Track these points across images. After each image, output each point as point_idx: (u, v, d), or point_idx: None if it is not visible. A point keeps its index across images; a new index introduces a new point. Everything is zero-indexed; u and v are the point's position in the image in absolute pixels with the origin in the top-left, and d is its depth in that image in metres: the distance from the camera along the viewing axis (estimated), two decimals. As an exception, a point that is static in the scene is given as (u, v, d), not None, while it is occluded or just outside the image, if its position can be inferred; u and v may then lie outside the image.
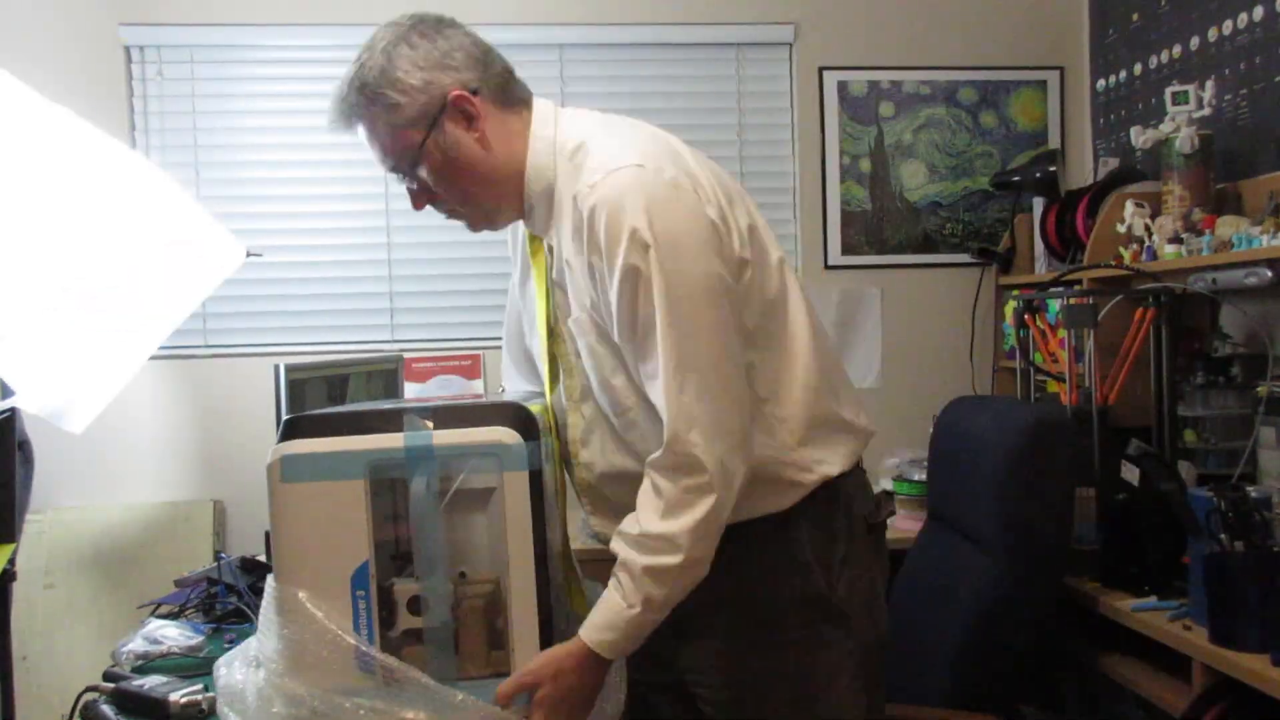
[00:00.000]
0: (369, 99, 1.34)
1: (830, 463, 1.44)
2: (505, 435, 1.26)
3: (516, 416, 1.28)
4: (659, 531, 1.27)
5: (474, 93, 1.37)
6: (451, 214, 1.44)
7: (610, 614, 1.28)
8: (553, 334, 1.45)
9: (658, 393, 1.28)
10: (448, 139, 1.35)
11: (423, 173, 1.37)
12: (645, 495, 1.30)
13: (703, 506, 1.26)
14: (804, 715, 1.41)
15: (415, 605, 1.26)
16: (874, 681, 1.46)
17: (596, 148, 1.34)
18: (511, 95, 1.43)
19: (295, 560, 1.25)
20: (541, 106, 1.45)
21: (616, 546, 1.31)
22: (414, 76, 1.34)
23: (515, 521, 1.26)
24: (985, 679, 1.93)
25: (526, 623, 1.27)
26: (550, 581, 1.31)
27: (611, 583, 1.31)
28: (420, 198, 1.42)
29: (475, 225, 1.46)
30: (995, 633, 1.93)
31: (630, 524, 1.30)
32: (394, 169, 1.39)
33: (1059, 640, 2.20)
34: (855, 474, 1.50)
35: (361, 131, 1.38)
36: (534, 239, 1.46)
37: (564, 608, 1.44)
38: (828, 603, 1.41)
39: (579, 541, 2.72)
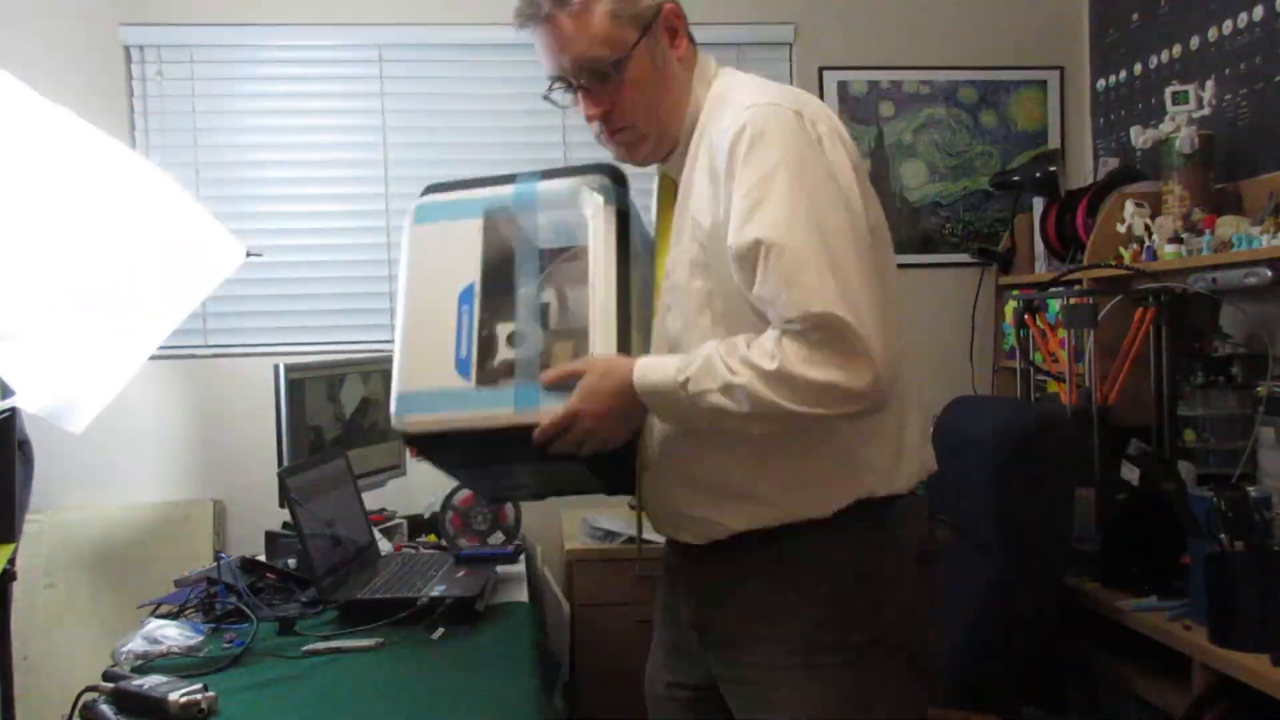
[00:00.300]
0: None
1: (891, 476, 1.34)
2: (598, 180, 1.38)
3: (611, 170, 1.40)
4: (792, 373, 1.16)
5: (677, 11, 1.38)
6: (619, 133, 1.37)
7: (668, 380, 1.22)
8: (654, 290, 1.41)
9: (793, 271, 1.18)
10: (659, 46, 1.34)
11: (619, 78, 1.31)
12: (778, 345, 1.18)
13: (855, 397, 1.16)
14: None
15: (513, 340, 1.37)
16: (918, 712, 1.37)
17: (740, 91, 1.32)
18: (689, 34, 1.41)
19: (416, 285, 1.42)
20: (702, 57, 1.43)
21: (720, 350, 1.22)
22: None
23: (602, 253, 1.35)
24: (985, 679, 1.94)
25: (605, 325, 1.34)
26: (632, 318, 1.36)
27: (701, 359, 1.21)
28: (598, 106, 1.34)
29: (639, 149, 1.39)
30: (995, 632, 1.93)
31: (758, 354, 1.19)
32: (586, 68, 1.32)
33: (1059, 640, 2.19)
34: (914, 498, 1.39)
35: (555, 24, 1.31)
36: (665, 190, 1.44)
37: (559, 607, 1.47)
38: (873, 626, 1.30)
39: (578, 541, 2.73)
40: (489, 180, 1.45)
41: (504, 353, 1.36)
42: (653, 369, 1.26)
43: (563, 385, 1.29)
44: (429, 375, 1.37)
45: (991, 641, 1.93)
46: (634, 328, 1.36)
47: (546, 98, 1.41)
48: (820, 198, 1.23)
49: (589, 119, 1.37)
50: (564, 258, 1.37)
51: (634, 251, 1.38)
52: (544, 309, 1.36)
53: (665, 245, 1.39)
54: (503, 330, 1.37)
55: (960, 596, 1.97)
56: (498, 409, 1.33)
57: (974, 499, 2.05)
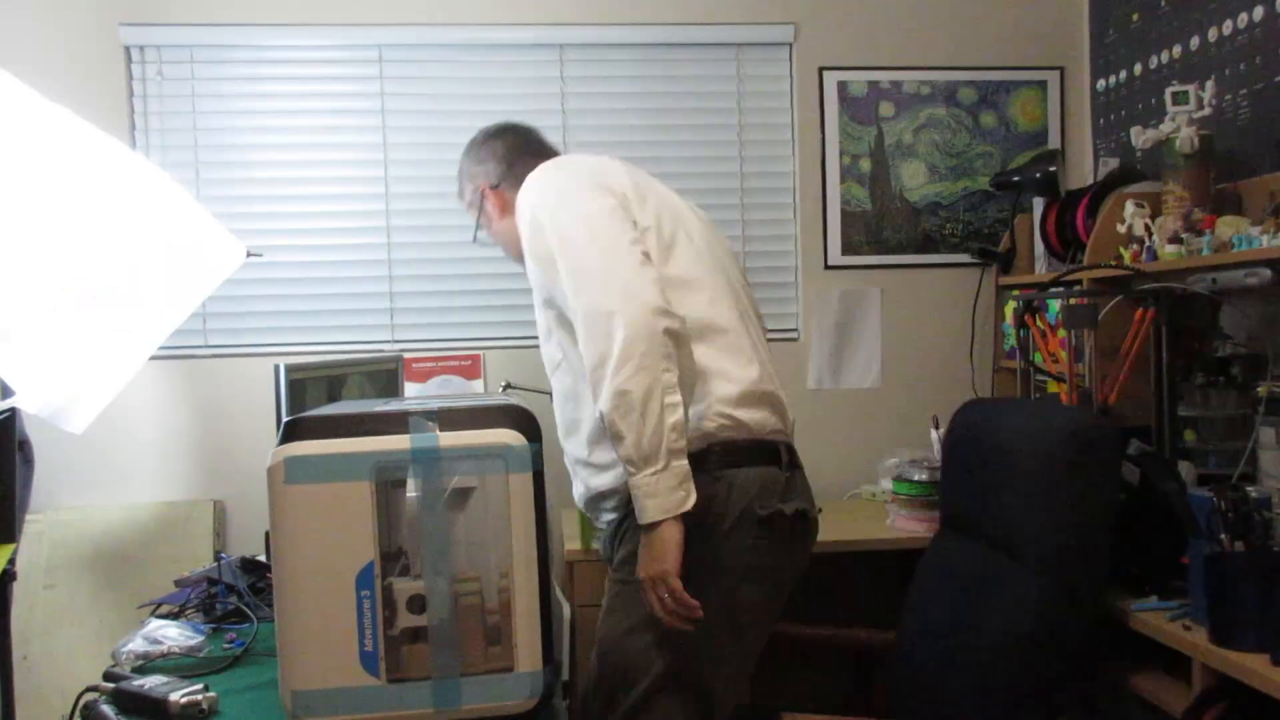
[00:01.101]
0: (460, 192, 2.15)
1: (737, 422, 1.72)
2: (510, 437, 1.28)
3: (519, 418, 1.31)
4: (601, 413, 1.59)
5: (493, 188, 2.03)
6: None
7: (637, 491, 1.57)
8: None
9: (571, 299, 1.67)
10: (483, 216, 2.08)
11: (487, 236, 2.10)
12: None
13: (615, 340, 1.56)
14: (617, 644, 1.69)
15: (415, 604, 1.27)
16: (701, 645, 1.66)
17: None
18: (528, 166, 1.90)
19: (297, 561, 1.25)
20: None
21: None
22: (468, 179, 2.09)
23: (520, 522, 1.28)
24: (1020, 698, 1.79)
25: (529, 619, 1.28)
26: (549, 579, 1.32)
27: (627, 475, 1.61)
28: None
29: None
30: (1034, 655, 1.76)
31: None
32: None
33: (1093, 658, 2.10)
34: (759, 450, 1.74)
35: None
36: None
37: (559, 609, 1.47)
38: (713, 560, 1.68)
39: (578, 542, 2.73)
40: (366, 418, 1.30)
41: (406, 619, 1.28)
42: (642, 509, 1.59)
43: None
44: (329, 673, 1.25)
45: (1029, 662, 1.77)
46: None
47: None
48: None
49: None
50: (468, 500, 1.30)
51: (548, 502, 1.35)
52: (449, 562, 1.29)
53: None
54: (403, 592, 1.28)
55: (994, 612, 1.84)
56: (416, 709, 1.26)
57: (1007, 510, 1.90)
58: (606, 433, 1.59)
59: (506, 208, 1.98)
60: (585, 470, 1.80)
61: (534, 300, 1.85)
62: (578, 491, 1.86)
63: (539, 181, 1.79)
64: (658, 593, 1.58)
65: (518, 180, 1.88)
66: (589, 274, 1.63)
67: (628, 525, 1.71)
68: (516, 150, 2.01)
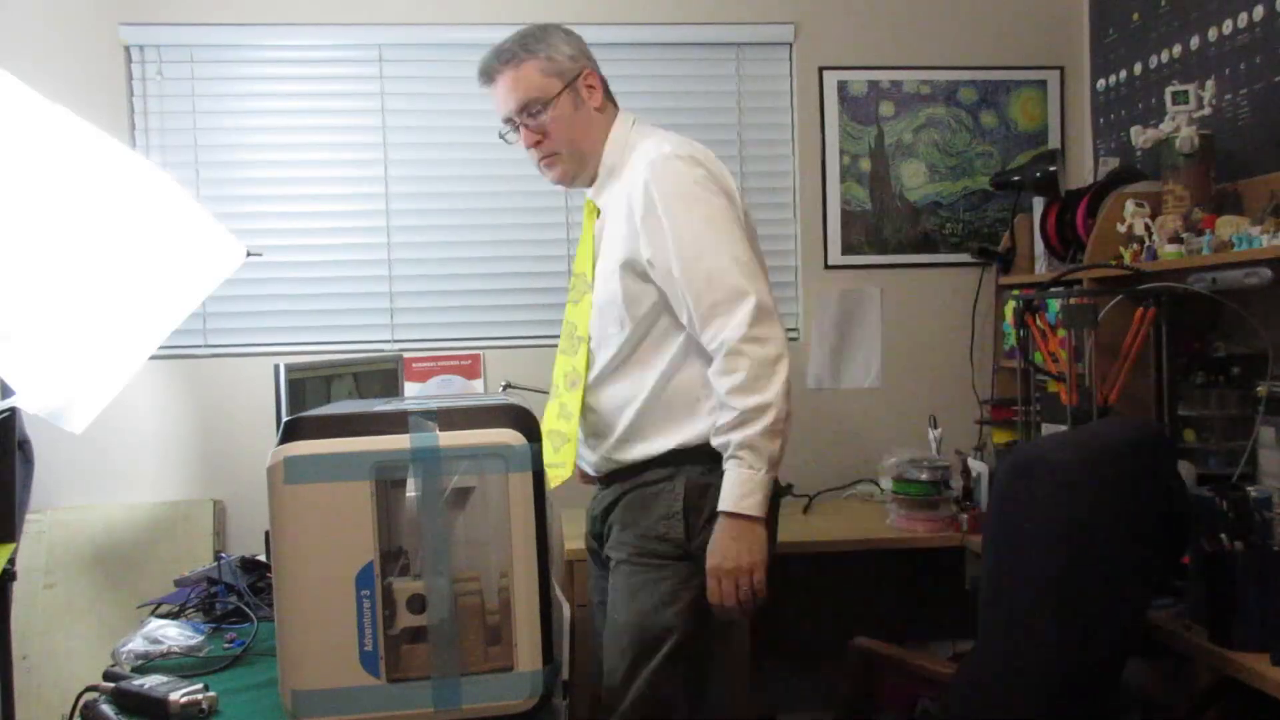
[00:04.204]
0: (528, 49, 1.85)
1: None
2: (510, 437, 1.28)
3: (519, 418, 1.30)
4: (756, 404, 1.68)
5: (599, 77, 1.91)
6: (549, 158, 1.90)
7: (747, 484, 1.68)
8: (575, 287, 1.93)
9: (696, 271, 1.73)
10: (577, 96, 1.87)
11: (546, 116, 1.85)
12: (722, 376, 1.71)
13: (780, 373, 1.70)
14: (647, 621, 1.78)
15: (414, 604, 1.27)
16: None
17: (649, 145, 1.84)
18: (608, 96, 1.93)
19: (297, 561, 1.25)
20: (623, 112, 1.94)
21: (722, 436, 1.71)
22: (565, 47, 1.87)
23: (520, 522, 1.28)
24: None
25: (529, 619, 1.28)
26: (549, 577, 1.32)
27: (734, 462, 1.70)
28: (533, 137, 1.88)
29: (565, 174, 1.92)
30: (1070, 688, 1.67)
31: (722, 410, 1.72)
32: (524, 109, 1.86)
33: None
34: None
35: (502, 80, 1.88)
36: (589, 205, 1.94)
37: (559, 609, 1.46)
38: (684, 547, 1.78)
39: (578, 541, 2.73)
40: (366, 418, 1.29)
41: (406, 619, 1.27)
42: (740, 496, 1.71)
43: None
44: (329, 673, 1.24)
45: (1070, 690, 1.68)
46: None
47: (502, 136, 1.96)
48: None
49: (526, 148, 1.91)
50: (467, 499, 1.29)
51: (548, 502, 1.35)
52: (449, 561, 1.28)
53: (588, 254, 1.91)
54: (402, 592, 1.27)
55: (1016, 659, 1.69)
56: (415, 709, 1.26)
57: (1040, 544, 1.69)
58: (765, 436, 1.69)
59: (603, 107, 1.90)
60: (631, 434, 1.83)
61: (600, 268, 1.86)
62: (601, 457, 1.89)
63: (686, 165, 1.78)
64: (739, 582, 1.70)
65: (610, 101, 1.92)
66: (739, 272, 1.72)
67: (675, 510, 1.80)
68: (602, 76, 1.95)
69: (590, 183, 1.93)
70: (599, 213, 1.90)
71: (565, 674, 1.45)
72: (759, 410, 1.68)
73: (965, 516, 2.65)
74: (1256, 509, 1.76)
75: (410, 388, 2.96)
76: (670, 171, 1.76)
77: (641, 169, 1.77)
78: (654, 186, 1.75)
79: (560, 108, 1.85)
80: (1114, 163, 2.85)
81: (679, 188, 1.75)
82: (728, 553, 1.69)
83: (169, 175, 2.40)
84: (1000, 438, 2.91)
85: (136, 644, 1.69)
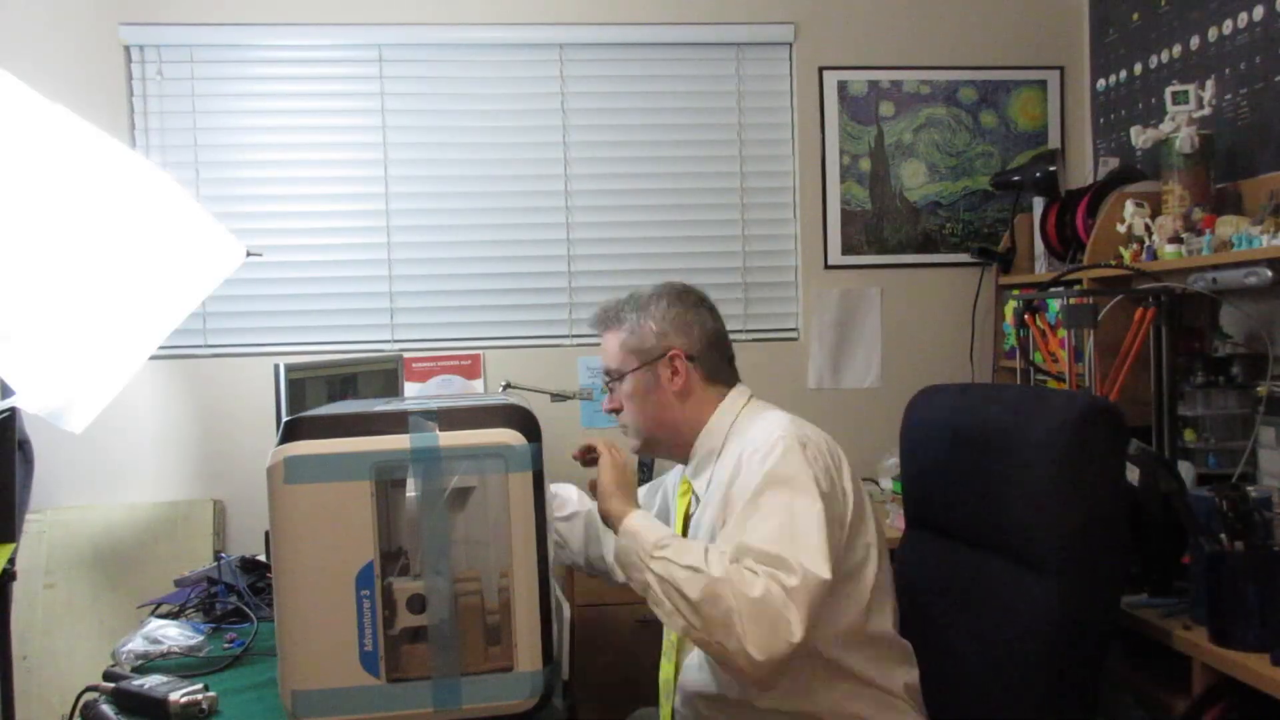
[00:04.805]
0: (619, 319, 1.75)
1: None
2: (511, 437, 1.28)
3: (519, 417, 1.31)
4: (718, 575, 1.41)
5: (689, 358, 1.72)
6: (624, 428, 1.79)
7: (648, 539, 1.49)
8: None
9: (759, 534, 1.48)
10: (653, 377, 1.72)
11: (619, 390, 1.75)
12: (739, 575, 1.42)
13: (775, 601, 1.39)
14: None
15: (414, 604, 1.27)
16: None
17: (759, 429, 1.63)
18: (718, 375, 1.76)
19: (297, 561, 1.25)
20: (737, 391, 1.77)
21: (656, 553, 1.48)
22: (655, 323, 1.73)
23: (520, 522, 1.28)
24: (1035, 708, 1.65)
25: (529, 619, 1.28)
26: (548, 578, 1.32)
27: (681, 547, 1.47)
28: (611, 403, 1.79)
29: (637, 448, 1.80)
30: (1056, 660, 1.62)
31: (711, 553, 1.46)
32: (606, 374, 1.79)
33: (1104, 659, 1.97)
34: None
35: (604, 338, 1.78)
36: (684, 484, 1.78)
37: (559, 609, 1.46)
38: None
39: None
40: (366, 418, 1.29)
41: (406, 618, 1.27)
42: (631, 527, 1.53)
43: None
44: (329, 672, 1.25)
45: (1049, 671, 1.62)
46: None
47: (605, 385, 1.82)
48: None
49: (605, 410, 1.82)
50: (468, 499, 1.29)
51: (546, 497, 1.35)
52: (449, 561, 1.28)
53: (682, 517, 1.75)
54: (402, 592, 1.27)
55: (1004, 622, 1.67)
56: (415, 709, 1.26)
57: (1002, 506, 1.70)
58: (697, 608, 1.43)
59: (686, 392, 1.71)
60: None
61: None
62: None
63: (796, 442, 1.56)
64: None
65: (714, 379, 1.74)
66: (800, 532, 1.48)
67: None
68: (716, 352, 1.76)
69: (680, 458, 1.79)
70: (696, 498, 1.74)
71: (565, 674, 1.45)
72: (702, 609, 1.40)
73: (965, 516, 2.65)
74: (1256, 509, 1.76)
75: (410, 388, 2.96)
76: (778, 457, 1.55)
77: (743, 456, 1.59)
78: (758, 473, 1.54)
79: (633, 384, 1.73)
80: (1114, 163, 2.85)
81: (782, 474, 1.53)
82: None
83: (169, 175, 2.40)
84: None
85: (136, 644, 1.69)
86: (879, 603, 1.63)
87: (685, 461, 1.77)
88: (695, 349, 1.72)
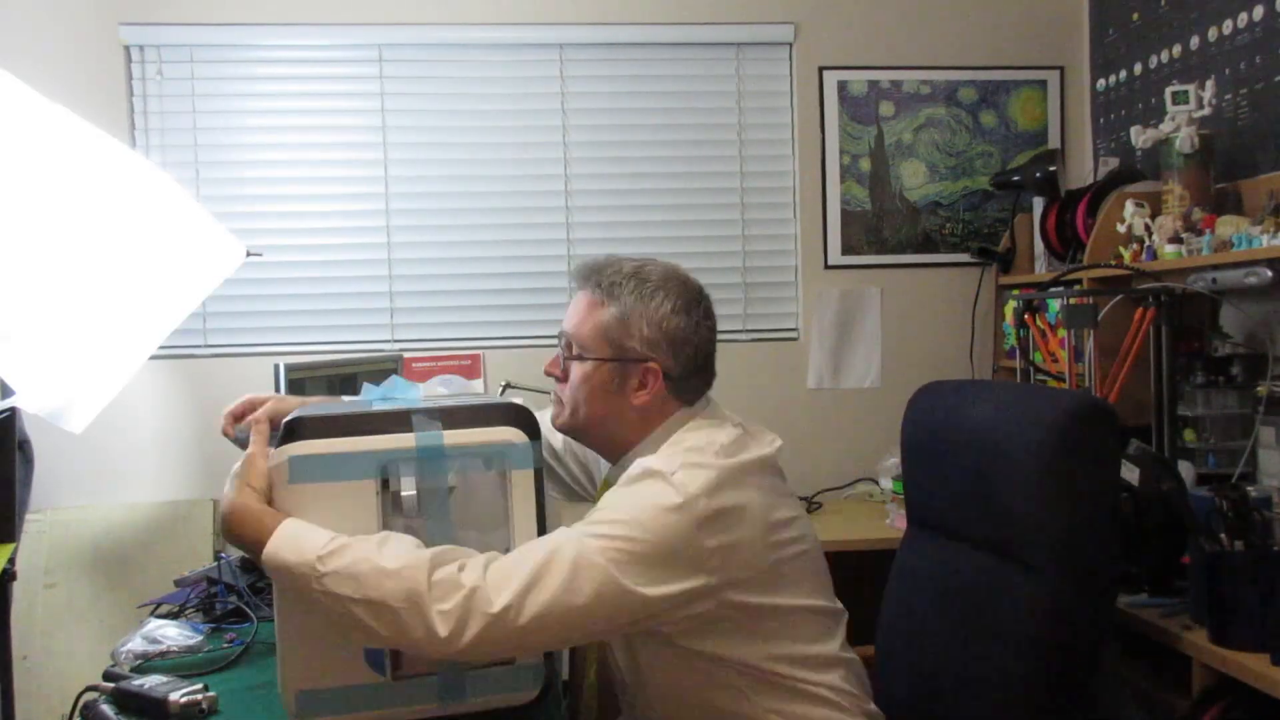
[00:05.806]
0: (610, 294, 1.50)
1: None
2: (513, 435, 1.29)
3: (520, 416, 1.32)
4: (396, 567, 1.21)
5: (667, 377, 1.50)
6: (557, 400, 1.57)
7: (306, 546, 1.22)
8: None
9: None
10: (618, 379, 1.50)
11: (575, 366, 1.52)
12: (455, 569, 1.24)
13: (474, 635, 1.21)
14: None
15: None
16: None
17: (680, 449, 1.45)
18: (684, 395, 1.54)
19: None
20: (692, 409, 1.55)
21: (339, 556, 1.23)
22: (650, 327, 1.49)
23: (521, 519, 1.29)
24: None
25: None
26: None
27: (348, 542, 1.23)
28: (557, 367, 1.56)
29: (561, 422, 1.57)
30: (1050, 660, 1.58)
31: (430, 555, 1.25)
32: (565, 340, 1.54)
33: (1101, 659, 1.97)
34: None
35: (581, 295, 1.53)
36: (605, 485, 1.60)
37: None
38: None
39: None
40: (369, 417, 1.28)
41: None
42: (285, 538, 1.24)
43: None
44: (334, 671, 1.25)
45: (1044, 671, 1.59)
46: None
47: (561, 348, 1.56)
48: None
49: (545, 370, 1.58)
50: (468, 498, 1.29)
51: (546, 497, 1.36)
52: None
53: None
54: None
55: (1001, 621, 1.62)
56: (422, 704, 1.26)
57: (992, 503, 1.68)
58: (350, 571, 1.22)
59: (646, 408, 1.51)
60: None
61: None
62: None
63: (667, 491, 1.36)
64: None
65: (678, 399, 1.53)
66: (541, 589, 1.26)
67: None
68: (697, 377, 1.55)
69: (607, 455, 1.62)
70: None
71: (565, 673, 1.45)
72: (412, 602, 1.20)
73: (965, 516, 2.65)
74: (1256, 509, 1.76)
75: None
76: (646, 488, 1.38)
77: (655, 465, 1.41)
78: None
79: (592, 373, 1.50)
80: (1114, 163, 2.85)
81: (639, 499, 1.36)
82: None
83: (169, 175, 2.40)
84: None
85: (136, 644, 1.69)
86: (812, 635, 1.51)
87: (610, 460, 1.60)
88: (677, 371, 1.51)
